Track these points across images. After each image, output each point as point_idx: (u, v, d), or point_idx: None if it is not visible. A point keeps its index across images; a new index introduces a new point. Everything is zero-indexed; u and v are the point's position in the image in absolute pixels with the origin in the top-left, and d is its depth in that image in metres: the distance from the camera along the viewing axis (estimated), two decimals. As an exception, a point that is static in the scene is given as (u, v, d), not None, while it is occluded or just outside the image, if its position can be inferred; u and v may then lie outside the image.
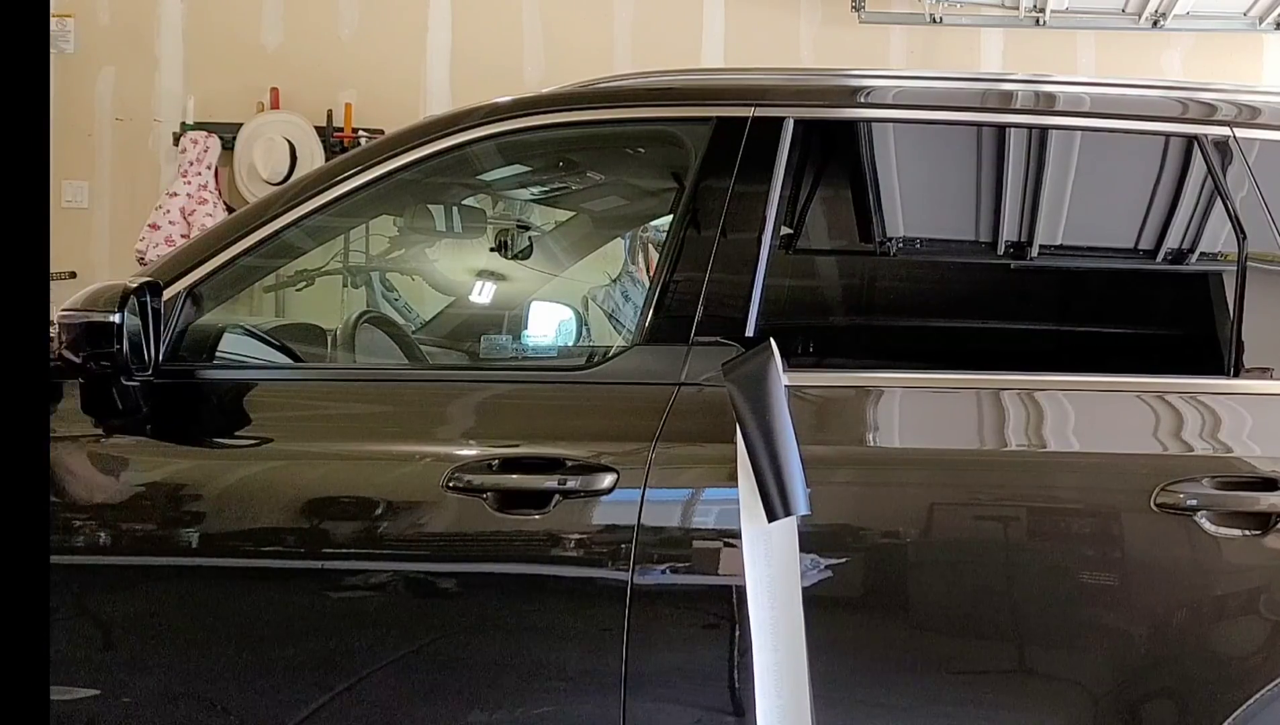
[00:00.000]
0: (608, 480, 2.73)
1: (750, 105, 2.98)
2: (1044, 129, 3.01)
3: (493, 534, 2.76)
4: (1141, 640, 2.65)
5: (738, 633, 2.66)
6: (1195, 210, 2.94)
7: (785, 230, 2.97)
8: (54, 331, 2.81)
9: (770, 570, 2.55)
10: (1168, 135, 2.96)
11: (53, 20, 7.34)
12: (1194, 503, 2.62)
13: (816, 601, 2.65)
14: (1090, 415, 2.78)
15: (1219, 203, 2.87)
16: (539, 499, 2.74)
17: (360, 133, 7.41)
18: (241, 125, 7.44)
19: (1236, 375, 2.78)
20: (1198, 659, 2.64)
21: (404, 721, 2.80)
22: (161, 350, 2.88)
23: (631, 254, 6.80)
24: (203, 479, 2.86)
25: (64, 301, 2.83)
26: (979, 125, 3.06)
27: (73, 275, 7.11)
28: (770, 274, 2.85)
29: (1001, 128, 3.02)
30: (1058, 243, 3.07)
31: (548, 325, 5.26)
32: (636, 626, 2.69)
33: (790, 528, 2.57)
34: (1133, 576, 2.67)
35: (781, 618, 2.55)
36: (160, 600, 2.86)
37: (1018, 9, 7.34)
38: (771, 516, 2.54)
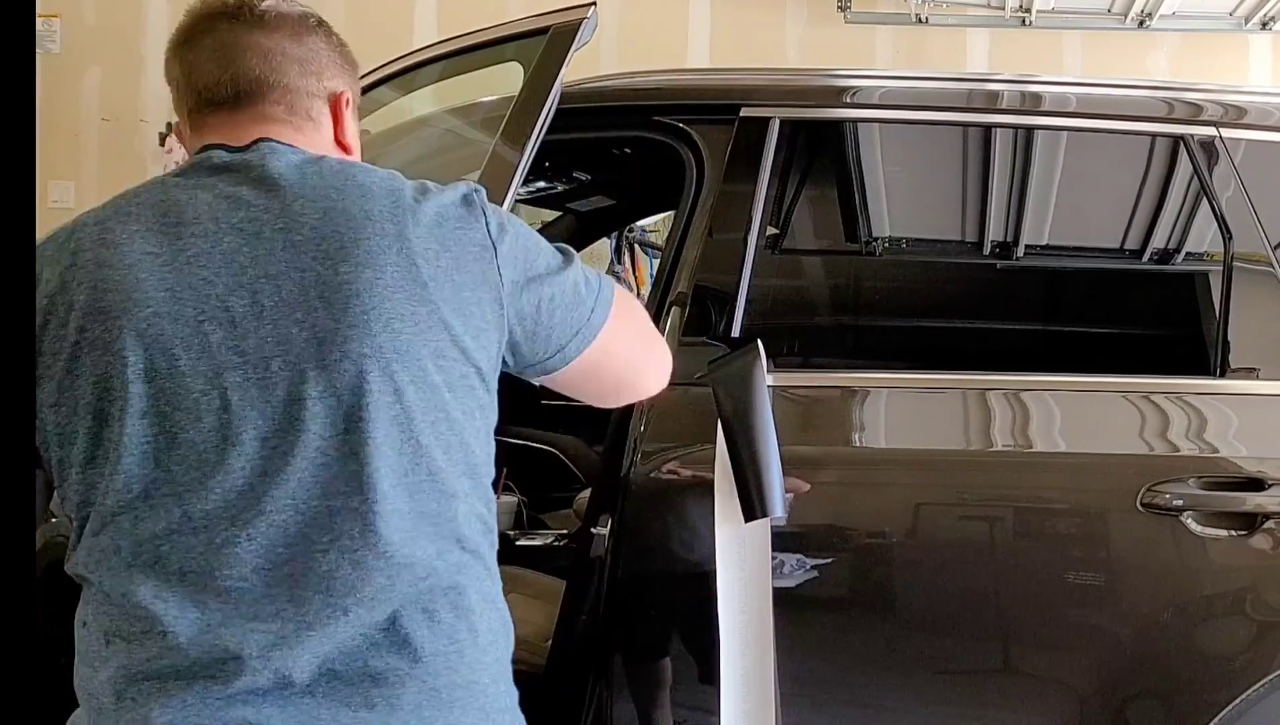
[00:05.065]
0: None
1: (737, 105, 2.97)
2: (1030, 129, 3.01)
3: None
4: (1127, 640, 2.65)
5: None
6: (1181, 210, 2.95)
7: (771, 230, 2.97)
8: None
9: (743, 574, 2.54)
10: (1154, 135, 2.96)
11: (39, 21, 7.32)
12: (1180, 503, 2.62)
13: (803, 601, 2.66)
14: (1076, 415, 2.78)
15: (1205, 203, 2.87)
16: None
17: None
18: (227, 125, 7.42)
19: (1222, 375, 2.79)
20: (1184, 659, 2.65)
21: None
22: None
23: (617, 253, 6.80)
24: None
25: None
26: (965, 125, 3.06)
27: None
28: (756, 274, 2.85)
29: (988, 128, 3.02)
30: (1044, 243, 3.08)
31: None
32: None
33: (764, 531, 2.56)
34: (1118, 577, 2.67)
35: (751, 622, 2.54)
36: None
37: (1004, 9, 7.34)
38: (748, 517, 2.53)
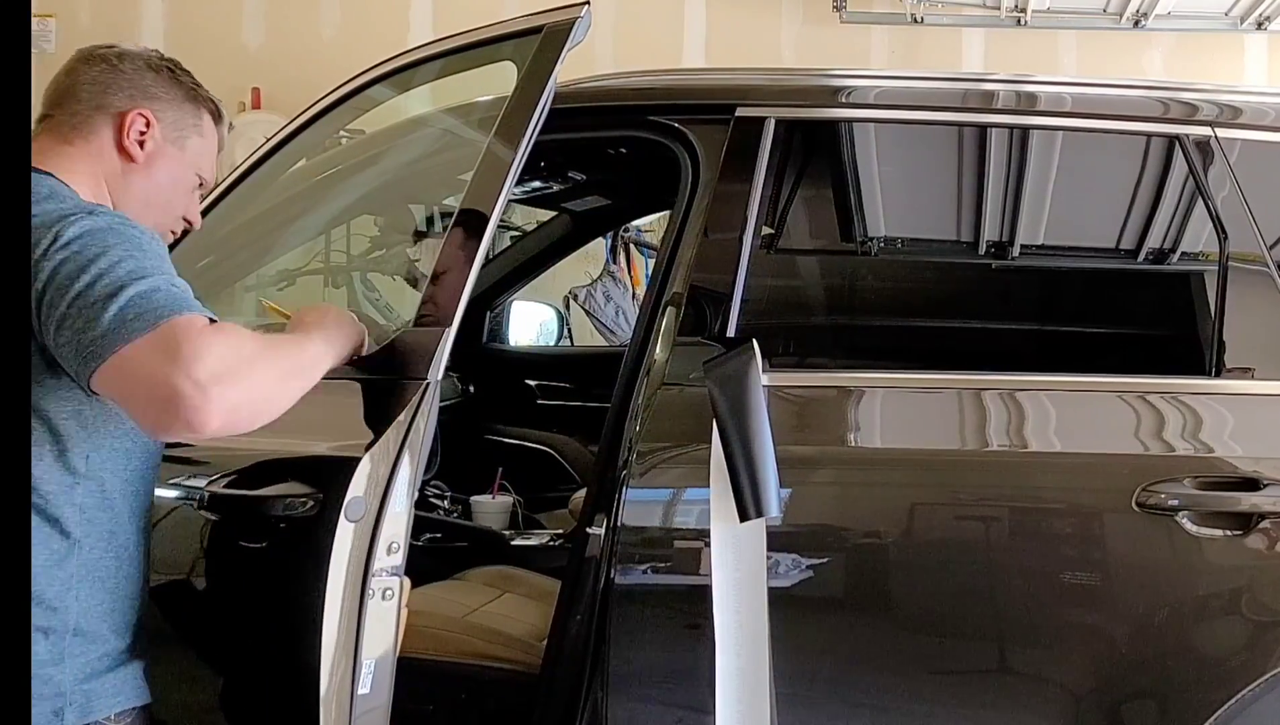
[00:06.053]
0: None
1: (732, 105, 2.97)
2: (1025, 129, 3.01)
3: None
4: (1123, 641, 2.65)
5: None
6: (1177, 210, 2.94)
7: (767, 230, 2.97)
8: None
9: (738, 574, 2.54)
10: (1149, 135, 2.96)
11: (34, 20, 7.32)
12: (1175, 503, 2.61)
13: (798, 601, 2.65)
14: (1072, 415, 2.77)
15: (1200, 203, 2.87)
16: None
17: (341, 133, 7.39)
18: (223, 125, 7.42)
19: (1218, 375, 2.78)
20: (1179, 659, 2.64)
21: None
22: None
23: (613, 253, 6.81)
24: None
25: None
26: (961, 125, 3.06)
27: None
28: (752, 274, 2.84)
29: (983, 128, 3.02)
30: (1039, 243, 3.08)
31: (529, 326, 5.26)
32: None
33: (759, 530, 2.56)
34: (1114, 577, 2.67)
35: (746, 621, 2.53)
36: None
37: (999, 9, 7.35)
38: (743, 517, 2.52)
